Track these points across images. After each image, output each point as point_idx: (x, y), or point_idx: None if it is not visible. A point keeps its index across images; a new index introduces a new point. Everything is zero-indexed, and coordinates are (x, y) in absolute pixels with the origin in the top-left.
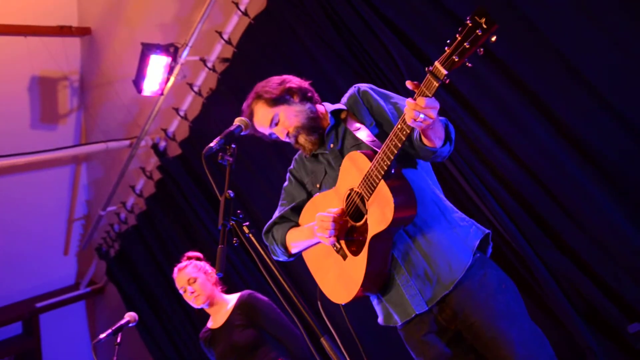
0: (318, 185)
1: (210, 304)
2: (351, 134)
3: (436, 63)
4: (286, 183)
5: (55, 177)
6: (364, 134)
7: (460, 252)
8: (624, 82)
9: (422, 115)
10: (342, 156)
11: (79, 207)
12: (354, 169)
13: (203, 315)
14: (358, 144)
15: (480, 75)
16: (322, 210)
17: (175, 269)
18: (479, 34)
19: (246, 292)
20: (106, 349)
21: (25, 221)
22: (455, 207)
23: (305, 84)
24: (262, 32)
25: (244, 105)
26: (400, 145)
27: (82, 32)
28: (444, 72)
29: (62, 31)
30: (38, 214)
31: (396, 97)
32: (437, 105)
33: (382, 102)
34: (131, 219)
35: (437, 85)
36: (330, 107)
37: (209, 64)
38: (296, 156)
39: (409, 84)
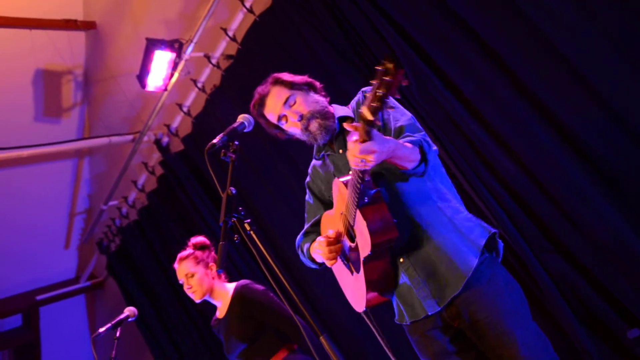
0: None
1: (212, 296)
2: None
3: (362, 108)
4: (306, 196)
5: (57, 170)
6: None
7: (467, 253)
8: (626, 87)
9: (361, 161)
10: None
11: (80, 200)
12: (340, 194)
13: (201, 312)
14: None
15: (483, 77)
16: (330, 227)
17: (178, 258)
18: (388, 79)
19: (241, 282)
20: (105, 343)
21: (26, 214)
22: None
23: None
24: (267, 30)
25: (258, 88)
26: (360, 181)
27: (88, 26)
28: (370, 117)
29: (68, 25)
30: (40, 207)
31: (397, 112)
32: (377, 148)
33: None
34: (132, 213)
35: (369, 129)
36: (338, 111)
37: (213, 61)
38: (310, 168)
39: (347, 126)
